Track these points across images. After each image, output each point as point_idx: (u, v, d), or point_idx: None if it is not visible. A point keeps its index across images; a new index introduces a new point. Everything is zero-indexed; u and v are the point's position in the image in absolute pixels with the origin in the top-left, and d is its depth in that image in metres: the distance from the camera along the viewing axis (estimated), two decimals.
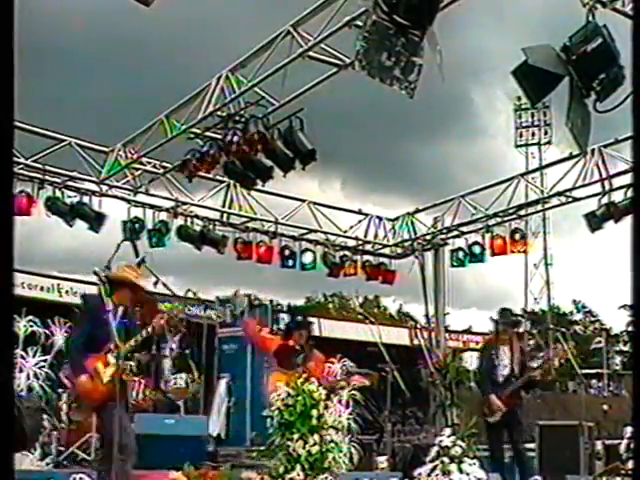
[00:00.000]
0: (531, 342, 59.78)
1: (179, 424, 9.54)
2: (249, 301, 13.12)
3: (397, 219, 13.10)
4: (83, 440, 8.61)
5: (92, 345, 6.47)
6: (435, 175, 63.52)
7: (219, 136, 8.98)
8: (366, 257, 13.13)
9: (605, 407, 16.23)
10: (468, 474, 6.23)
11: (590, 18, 5.91)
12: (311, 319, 8.95)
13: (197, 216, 11.60)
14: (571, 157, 10.64)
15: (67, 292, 19.42)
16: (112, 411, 6.20)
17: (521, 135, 59.32)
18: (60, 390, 9.23)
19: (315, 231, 12.49)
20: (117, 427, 6.14)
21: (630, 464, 8.78)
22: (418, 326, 13.07)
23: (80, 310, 7.30)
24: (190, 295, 13.61)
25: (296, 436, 5.55)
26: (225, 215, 11.85)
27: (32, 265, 16.70)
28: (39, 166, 10.25)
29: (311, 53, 7.70)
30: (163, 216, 11.33)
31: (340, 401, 6.18)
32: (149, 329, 6.57)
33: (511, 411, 8.34)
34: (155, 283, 7.59)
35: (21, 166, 10.07)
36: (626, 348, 50.61)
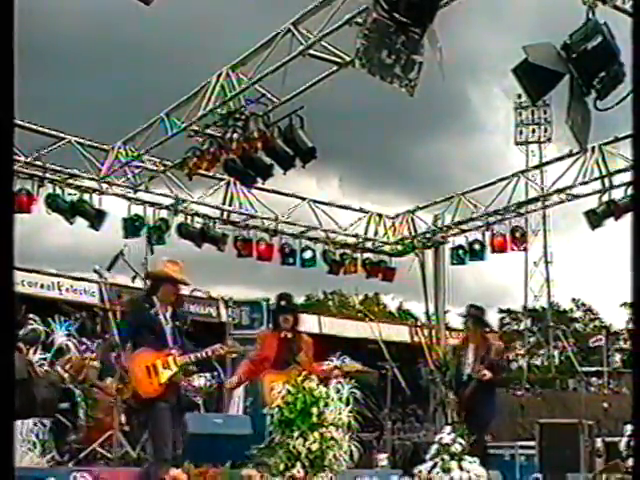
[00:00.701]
0: (531, 340, 59.91)
1: (226, 423, 9.59)
2: (267, 306, 13.07)
3: (397, 217, 13.10)
4: (105, 437, 8.54)
5: (143, 341, 6.46)
6: (433, 173, 63.55)
7: (219, 134, 8.98)
8: (366, 255, 13.13)
9: (605, 405, 16.26)
10: (468, 471, 6.24)
11: (590, 16, 5.91)
12: (297, 307, 8.69)
13: (197, 214, 11.61)
14: (571, 155, 10.64)
15: (67, 290, 19.42)
16: (161, 411, 6.27)
17: (521, 132, 59.30)
18: (72, 387, 9.19)
19: (315, 229, 12.49)
20: (165, 428, 6.21)
21: (630, 461, 8.79)
22: (418, 323, 13.07)
23: (126, 311, 7.29)
24: (201, 295, 13.54)
25: (296, 433, 5.55)
26: (225, 213, 11.86)
27: (29, 263, 16.69)
28: (39, 164, 10.26)
29: (311, 51, 7.70)
30: (163, 214, 11.35)
31: (340, 398, 6.16)
32: (209, 352, 6.63)
33: (472, 410, 8.21)
34: (133, 278, 7.60)
35: (21, 164, 10.07)
36: (626, 346, 50.61)
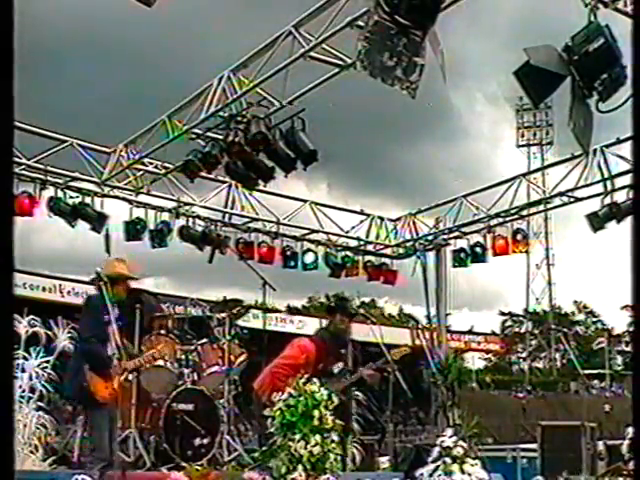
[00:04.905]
0: (533, 342, 59.87)
1: None
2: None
3: (399, 219, 13.10)
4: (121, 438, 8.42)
5: (105, 344, 6.66)
6: (419, 177, 64.18)
7: (221, 137, 8.98)
8: (368, 257, 13.13)
9: (607, 407, 16.27)
10: (470, 474, 6.22)
11: (592, 18, 5.91)
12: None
13: (199, 216, 11.61)
14: (573, 157, 10.64)
15: (69, 292, 19.50)
16: (102, 414, 6.54)
17: (523, 135, 59.47)
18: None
19: (317, 231, 12.48)
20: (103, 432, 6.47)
21: (632, 464, 8.76)
22: (420, 326, 13.05)
23: (83, 310, 7.40)
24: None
25: (298, 436, 5.54)
26: (227, 215, 11.85)
27: (23, 266, 16.70)
28: (41, 167, 10.25)
29: (313, 53, 7.69)
30: (165, 217, 11.34)
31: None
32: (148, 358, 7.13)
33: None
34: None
35: (23, 167, 10.07)
36: (628, 348, 50.59)
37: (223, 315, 9.65)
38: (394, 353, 8.58)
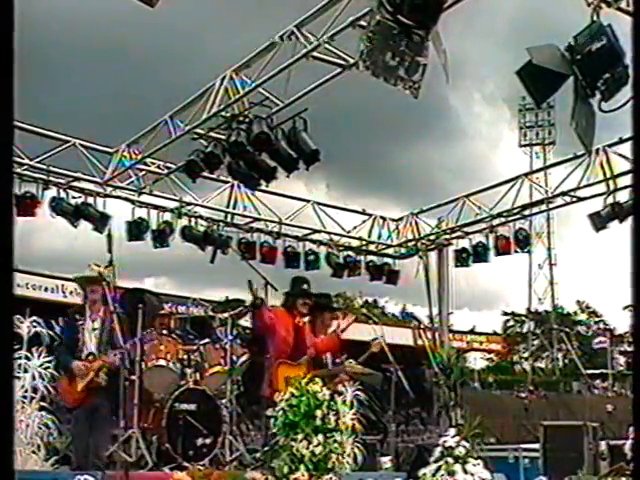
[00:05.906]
0: (535, 342, 59.83)
1: None
2: None
3: (401, 219, 13.10)
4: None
5: (73, 349, 7.28)
6: (417, 178, 64.27)
7: (223, 137, 8.99)
8: (370, 257, 13.12)
9: (609, 407, 16.26)
10: (473, 474, 6.21)
11: (595, 18, 5.90)
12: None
13: (201, 217, 11.61)
14: (575, 157, 10.63)
15: (71, 293, 19.50)
16: (77, 418, 7.06)
17: (525, 135, 59.49)
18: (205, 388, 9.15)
19: (319, 231, 12.48)
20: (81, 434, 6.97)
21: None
22: (422, 326, 13.05)
23: (67, 317, 7.87)
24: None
25: (300, 436, 5.54)
26: (229, 215, 11.85)
27: (23, 266, 16.74)
28: (43, 167, 10.26)
29: (315, 53, 7.69)
30: (167, 217, 11.35)
31: (344, 401, 6.14)
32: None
33: None
34: (110, 262, 7.93)
35: (25, 167, 10.08)
36: (630, 348, 50.63)
37: (225, 315, 9.66)
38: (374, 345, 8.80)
